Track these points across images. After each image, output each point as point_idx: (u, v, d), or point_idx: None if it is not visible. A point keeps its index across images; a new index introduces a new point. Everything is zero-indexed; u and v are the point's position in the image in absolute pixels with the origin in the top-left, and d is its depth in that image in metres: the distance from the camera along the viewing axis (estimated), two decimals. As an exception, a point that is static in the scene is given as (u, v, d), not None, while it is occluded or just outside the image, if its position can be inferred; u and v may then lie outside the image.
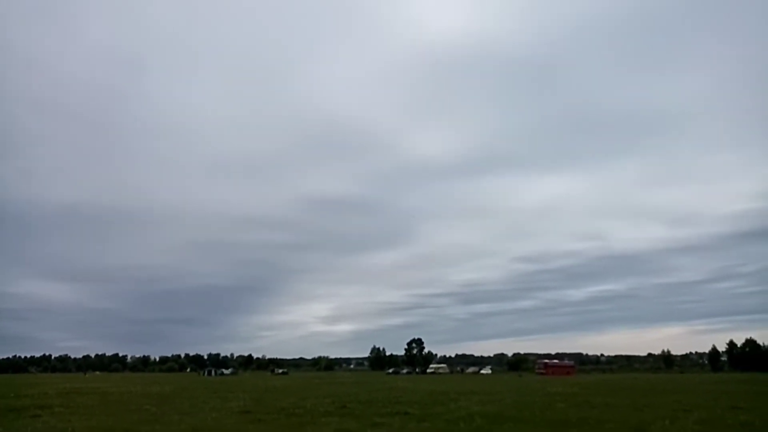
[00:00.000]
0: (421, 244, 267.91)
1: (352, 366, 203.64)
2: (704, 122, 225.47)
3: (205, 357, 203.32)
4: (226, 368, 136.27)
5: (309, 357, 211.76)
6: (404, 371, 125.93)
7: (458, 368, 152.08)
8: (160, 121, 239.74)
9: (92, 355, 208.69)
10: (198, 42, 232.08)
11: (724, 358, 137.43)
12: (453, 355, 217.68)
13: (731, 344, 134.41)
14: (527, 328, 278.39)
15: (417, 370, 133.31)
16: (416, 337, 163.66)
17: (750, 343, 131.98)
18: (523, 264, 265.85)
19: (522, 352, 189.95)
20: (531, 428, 16.16)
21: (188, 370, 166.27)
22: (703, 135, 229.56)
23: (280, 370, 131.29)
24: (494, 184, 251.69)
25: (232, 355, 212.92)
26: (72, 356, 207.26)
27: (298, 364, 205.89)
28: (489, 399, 29.31)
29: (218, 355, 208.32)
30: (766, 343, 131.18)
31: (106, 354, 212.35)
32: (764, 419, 17.90)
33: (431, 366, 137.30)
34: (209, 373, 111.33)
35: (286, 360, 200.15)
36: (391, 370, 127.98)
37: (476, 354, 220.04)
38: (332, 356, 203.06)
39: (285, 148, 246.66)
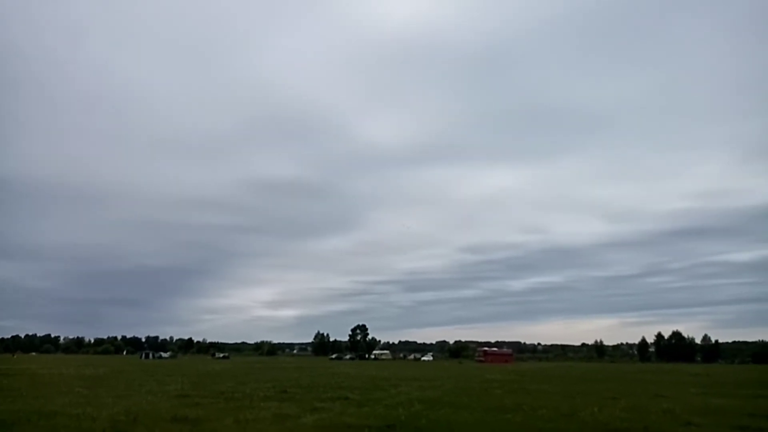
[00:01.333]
0: (369, 231, 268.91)
1: (295, 351, 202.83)
2: (646, 122, 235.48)
3: (143, 340, 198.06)
4: (165, 351, 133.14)
5: (251, 342, 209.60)
6: (347, 357, 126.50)
7: (401, 355, 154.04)
8: (103, 93, 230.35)
9: (22, 336, 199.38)
10: (146, 10, 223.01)
11: (652, 349, 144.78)
12: (396, 342, 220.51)
13: (659, 336, 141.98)
14: (469, 316, 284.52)
15: (360, 356, 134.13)
16: (360, 324, 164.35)
17: (676, 335, 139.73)
18: (468, 254, 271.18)
19: (463, 339, 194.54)
20: (468, 413, 16.53)
21: (125, 352, 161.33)
22: (645, 134, 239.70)
23: (221, 355, 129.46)
24: (443, 174, 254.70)
25: (171, 338, 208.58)
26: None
27: (240, 348, 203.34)
28: (429, 385, 29.83)
29: (157, 338, 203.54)
30: (690, 336, 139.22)
31: (38, 335, 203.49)
32: (684, 407, 18.94)
33: (374, 352, 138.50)
34: (146, 356, 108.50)
35: (227, 344, 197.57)
36: (334, 356, 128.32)
37: (419, 341, 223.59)
38: (275, 341, 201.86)
39: (234, 127, 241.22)
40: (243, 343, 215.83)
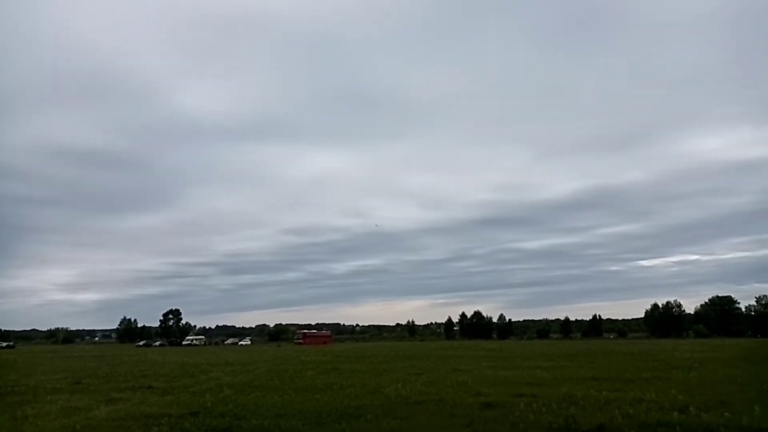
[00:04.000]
0: (186, 209, 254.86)
1: (97, 338, 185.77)
2: (460, 116, 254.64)
3: None
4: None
5: (44, 329, 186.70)
6: (157, 344, 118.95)
7: (216, 340, 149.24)
8: None
9: None
10: None
11: (456, 328, 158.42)
12: (213, 327, 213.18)
13: (463, 316, 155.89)
14: (291, 299, 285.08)
15: (172, 342, 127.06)
16: (174, 308, 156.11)
17: (477, 314, 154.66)
18: (292, 236, 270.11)
19: (284, 323, 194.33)
20: (278, 395, 16.47)
21: None
22: (458, 128, 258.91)
23: (5, 344, 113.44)
24: (270, 152, 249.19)
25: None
26: None
27: (29, 336, 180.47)
28: (242, 369, 29.23)
29: None
30: (489, 315, 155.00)
31: None
32: (476, 379, 20.95)
33: (188, 338, 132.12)
34: None
35: (14, 332, 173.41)
36: (141, 343, 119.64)
37: (238, 325, 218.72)
38: (73, 328, 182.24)
39: (26, 85, 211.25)
40: (34, 330, 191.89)
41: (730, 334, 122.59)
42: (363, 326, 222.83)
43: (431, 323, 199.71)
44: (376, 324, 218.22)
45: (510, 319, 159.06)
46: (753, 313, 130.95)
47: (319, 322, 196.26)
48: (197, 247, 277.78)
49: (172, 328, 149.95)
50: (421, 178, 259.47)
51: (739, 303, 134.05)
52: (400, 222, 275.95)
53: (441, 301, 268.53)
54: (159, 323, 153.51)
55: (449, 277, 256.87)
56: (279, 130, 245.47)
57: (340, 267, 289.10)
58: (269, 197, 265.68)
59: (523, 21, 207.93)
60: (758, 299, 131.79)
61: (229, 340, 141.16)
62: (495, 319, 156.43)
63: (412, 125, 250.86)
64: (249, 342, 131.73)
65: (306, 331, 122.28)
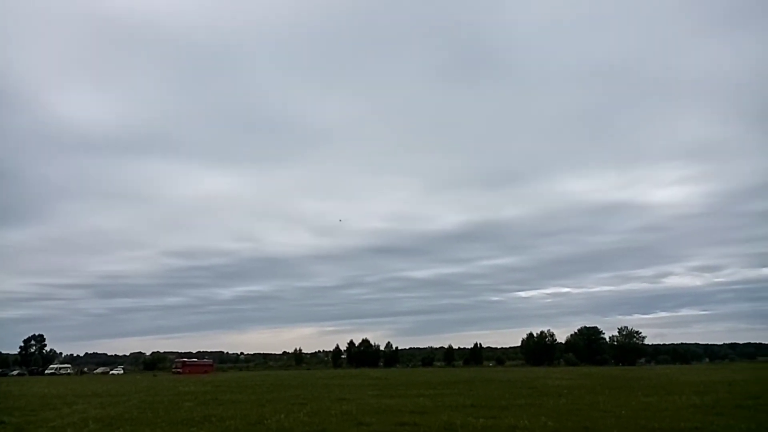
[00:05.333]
0: (56, 225, 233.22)
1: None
2: (355, 144, 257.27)
3: None
4: None
5: None
6: (14, 372, 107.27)
7: (85, 368, 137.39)
8: None
9: None
10: None
11: (344, 356, 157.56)
12: (82, 354, 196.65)
13: (351, 344, 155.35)
14: (171, 325, 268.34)
15: (33, 371, 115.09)
16: (37, 333, 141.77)
17: (365, 342, 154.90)
18: (175, 259, 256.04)
19: (162, 350, 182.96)
20: (150, 429, 15.49)
21: None
22: (353, 156, 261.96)
23: None
24: (154, 169, 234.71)
25: None
26: None
27: None
28: (112, 401, 27.13)
29: None
30: (376, 343, 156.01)
31: None
32: (360, 408, 20.98)
33: (51, 366, 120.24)
34: None
35: None
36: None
37: (110, 353, 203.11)
38: None
39: None
40: None
41: (596, 362, 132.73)
42: (248, 354, 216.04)
43: (319, 351, 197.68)
44: (261, 352, 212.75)
45: (397, 347, 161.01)
46: (615, 343, 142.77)
47: (201, 350, 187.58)
48: (67, 267, 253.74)
49: (34, 356, 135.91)
50: (314, 203, 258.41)
51: (604, 333, 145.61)
52: (290, 248, 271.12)
53: (330, 328, 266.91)
54: (19, 350, 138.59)
55: (339, 305, 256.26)
56: (167, 146, 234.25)
57: (226, 292, 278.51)
58: (152, 216, 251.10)
59: (423, 56, 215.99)
60: (620, 330, 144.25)
61: (99, 369, 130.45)
62: (382, 347, 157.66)
63: (307, 150, 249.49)
64: (121, 371, 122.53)
65: (185, 359, 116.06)
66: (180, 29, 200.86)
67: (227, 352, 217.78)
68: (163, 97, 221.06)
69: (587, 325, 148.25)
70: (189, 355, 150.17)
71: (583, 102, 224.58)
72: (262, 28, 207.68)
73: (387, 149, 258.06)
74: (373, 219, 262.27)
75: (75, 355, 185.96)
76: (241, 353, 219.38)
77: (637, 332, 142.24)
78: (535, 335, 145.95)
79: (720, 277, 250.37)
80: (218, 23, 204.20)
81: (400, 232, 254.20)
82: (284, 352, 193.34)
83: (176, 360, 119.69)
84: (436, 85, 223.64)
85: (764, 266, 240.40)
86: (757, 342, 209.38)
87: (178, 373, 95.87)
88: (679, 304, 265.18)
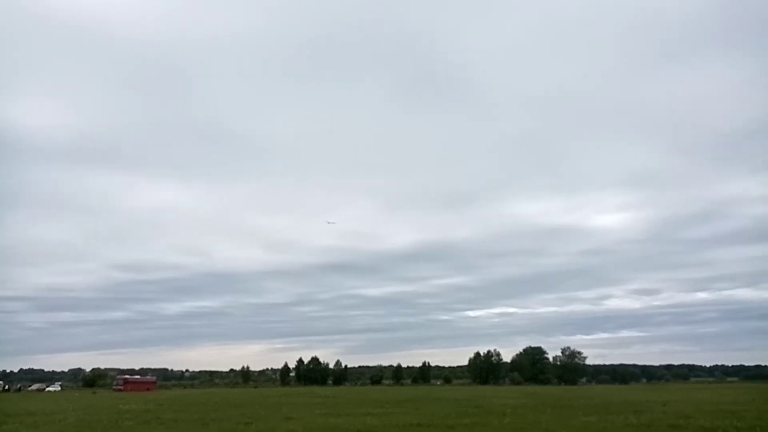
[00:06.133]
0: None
1: None
2: (312, 162, 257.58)
3: None
4: None
5: None
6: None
7: (18, 386, 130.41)
8: None
9: None
10: None
11: (293, 374, 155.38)
12: (16, 370, 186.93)
13: (300, 361, 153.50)
14: (114, 340, 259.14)
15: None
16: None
17: (314, 360, 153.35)
18: (121, 272, 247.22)
19: (104, 366, 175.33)
20: (88, 450, 15.11)
21: None
22: (310, 173, 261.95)
23: None
24: (102, 180, 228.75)
25: None
26: None
27: None
28: (47, 420, 26.13)
29: None
30: (326, 361, 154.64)
31: None
32: (306, 427, 20.98)
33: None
34: None
35: None
36: None
37: (47, 369, 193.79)
38: None
39: None
40: None
41: (540, 381, 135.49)
42: (193, 372, 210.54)
43: (267, 369, 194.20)
44: (208, 369, 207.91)
45: (346, 366, 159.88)
46: (558, 363, 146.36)
47: (144, 367, 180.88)
48: (3, 279, 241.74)
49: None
50: (268, 219, 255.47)
51: (547, 354, 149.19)
52: (242, 263, 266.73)
53: (279, 345, 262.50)
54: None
55: (290, 322, 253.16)
56: (117, 157, 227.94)
57: (173, 307, 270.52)
58: (99, 228, 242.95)
59: (382, 78, 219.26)
60: (563, 350, 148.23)
61: (34, 386, 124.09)
62: (332, 365, 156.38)
63: (261, 165, 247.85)
64: (59, 388, 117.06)
65: (127, 376, 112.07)
66: (136, 38, 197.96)
67: (172, 369, 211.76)
68: (115, 107, 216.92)
69: (532, 345, 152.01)
70: (132, 372, 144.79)
71: (534, 128, 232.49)
72: (220, 41, 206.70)
73: (343, 167, 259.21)
74: (328, 236, 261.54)
75: (8, 371, 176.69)
76: (187, 370, 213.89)
77: (578, 353, 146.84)
78: (482, 354, 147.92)
79: (657, 301, 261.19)
80: (176, 34, 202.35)
81: (355, 250, 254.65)
82: (231, 370, 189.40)
83: (117, 377, 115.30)
84: (394, 107, 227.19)
85: (698, 291, 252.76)
86: (690, 363, 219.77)
87: (119, 390, 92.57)
88: (618, 325, 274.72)
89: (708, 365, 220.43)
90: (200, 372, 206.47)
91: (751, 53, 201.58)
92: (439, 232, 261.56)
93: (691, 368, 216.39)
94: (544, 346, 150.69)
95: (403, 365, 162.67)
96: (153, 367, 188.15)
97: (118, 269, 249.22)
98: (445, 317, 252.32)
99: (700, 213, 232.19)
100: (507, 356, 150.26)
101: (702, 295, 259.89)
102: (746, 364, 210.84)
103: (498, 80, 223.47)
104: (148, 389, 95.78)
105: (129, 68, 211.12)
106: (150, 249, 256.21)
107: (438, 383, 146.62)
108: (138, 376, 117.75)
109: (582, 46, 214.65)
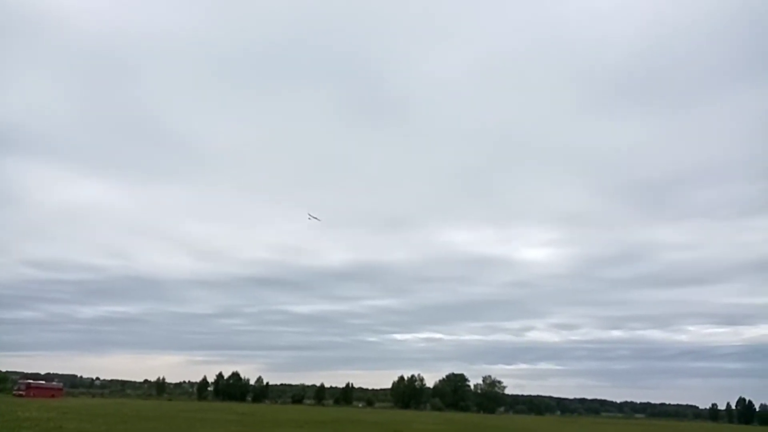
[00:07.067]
0: None
1: None
2: (249, 171, 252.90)
3: None
4: None
5: None
6: None
7: None
8: None
9: None
10: None
11: (211, 388, 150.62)
12: None
13: (220, 376, 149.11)
14: (20, 342, 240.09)
15: None
16: None
17: (235, 375, 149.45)
18: (34, 269, 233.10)
19: (5, 369, 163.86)
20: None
21: None
22: (247, 182, 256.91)
23: None
24: (18, 169, 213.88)
25: None
26: None
27: None
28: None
29: None
30: (247, 377, 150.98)
31: None
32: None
33: None
34: None
35: None
36: None
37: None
38: None
39: None
40: None
41: (460, 408, 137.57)
42: (105, 380, 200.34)
43: (184, 381, 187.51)
44: (120, 379, 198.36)
45: (267, 383, 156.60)
46: (479, 391, 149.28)
47: (51, 372, 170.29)
48: None
49: None
50: (199, 226, 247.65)
51: (469, 381, 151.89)
52: (167, 269, 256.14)
53: (199, 358, 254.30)
54: None
55: (212, 334, 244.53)
56: (38, 146, 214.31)
57: (88, 311, 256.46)
58: (14, 220, 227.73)
59: (327, 95, 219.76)
60: (484, 379, 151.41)
61: None
62: (253, 381, 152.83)
63: (195, 170, 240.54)
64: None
65: (31, 381, 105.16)
66: (76, 27, 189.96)
67: (81, 377, 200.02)
68: (47, 96, 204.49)
69: (455, 372, 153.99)
70: (36, 376, 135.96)
71: (471, 160, 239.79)
72: (168, 39, 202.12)
73: (282, 180, 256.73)
74: (260, 248, 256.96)
75: None
76: (97, 378, 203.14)
77: (499, 382, 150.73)
78: (405, 378, 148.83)
79: (575, 335, 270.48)
80: (120, 27, 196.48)
81: (286, 264, 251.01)
82: (146, 380, 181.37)
83: (20, 381, 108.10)
84: (337, 125, 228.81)
85: (613, 329, 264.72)
86: (602, 398, 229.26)
87: (21, 395, 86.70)
88: (538, 357, 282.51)
89: (618, 401, 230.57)
90: (112, 381, 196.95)
91: (671, 110, 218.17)
92: (373, 253, 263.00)
93: (603, 403, 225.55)
94: (466, 374, 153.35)
95: (327, 385, 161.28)
96: (61, 372, 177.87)
97: (31, 266, 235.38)
98: (373, 339, 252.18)
99: (619, 255, 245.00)
100: (430, 381, 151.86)
101: (616, 333, 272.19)
102: (652, 401, 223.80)
103: (439, 110, 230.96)
104: (53, 396, 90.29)
105: (66, 57, 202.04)
106: (69, 247, 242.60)
107: (360, 405, 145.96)
108: (43, 382, 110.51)
109: (522, 88, 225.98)
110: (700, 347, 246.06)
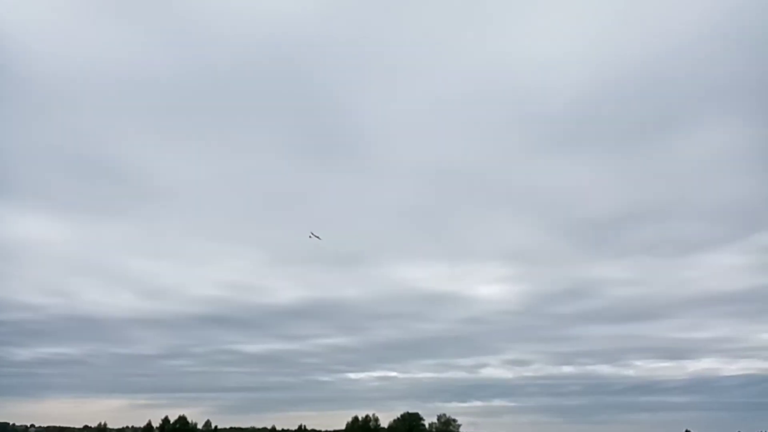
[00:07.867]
0: None
1: None
2: (199, 207, 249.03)
3: None
4: None
5: None
6: None
7: None
8: None
9: None
10: None
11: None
12: None
13: (165, 420, 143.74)
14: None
15: None
16: None
17: (182, 419, 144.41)
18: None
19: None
20: None
21: None
22: (194, 218, 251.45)
23: None
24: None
25: None
26: None
27: None
28: None
29: None
30: (194, 421, 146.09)
31: None
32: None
33: None
34: None
35: None
36: None
37: None
38: None
39: None
40: None
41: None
42: (40, 427, 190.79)
43: (127, 427, 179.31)
44: (58, 425, 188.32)
45: (216, 426, 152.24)
46: (434, 430, 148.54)
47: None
48: None
49: None
50: (143, 263, 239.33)
51: (424, 420, 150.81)
52: (109, 308, 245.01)
53: (142, 401, 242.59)
54: None
55: (157, 376, 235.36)
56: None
57: (24, 353, 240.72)
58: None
59: (280, 131, 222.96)
60: (439, 417, 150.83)
61: None
62: (201, 425, 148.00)
63: (141, 205, 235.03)
64: None
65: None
66: (14, 61, 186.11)
67: (14, 424, 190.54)
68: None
69: (410, 411, 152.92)
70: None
71: (424, 197, 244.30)
72: (110, 71, 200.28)
73: (230, 216, 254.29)
74: (206, 285, 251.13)
75: None
76: (32, 425, 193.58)
77: (453, 420, 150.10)
78: (360, 419, 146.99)
79: (528, 372, 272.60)
80: (59, 61, 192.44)
81: (235, 302, 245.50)
82: (86, 426, 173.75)
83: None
84: (289, 161, 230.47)
85: (564, 364, 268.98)
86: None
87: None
88: (492, 394, 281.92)
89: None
90: (48, 428, 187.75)
91: (612, 154, 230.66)
92: (325, 290, 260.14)
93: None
94: (421, 412, 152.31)
95: (278, 428, 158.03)
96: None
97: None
98: (326, 378, 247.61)
99: (569, 291, 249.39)
100: (385, 421, 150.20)
101: (568, 369, 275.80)
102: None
103: (393, 148, 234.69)
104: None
105: (6, 91, 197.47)
106: (5, 285, 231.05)
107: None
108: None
109: (472, 129, 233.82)
110: (647, 381, 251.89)
